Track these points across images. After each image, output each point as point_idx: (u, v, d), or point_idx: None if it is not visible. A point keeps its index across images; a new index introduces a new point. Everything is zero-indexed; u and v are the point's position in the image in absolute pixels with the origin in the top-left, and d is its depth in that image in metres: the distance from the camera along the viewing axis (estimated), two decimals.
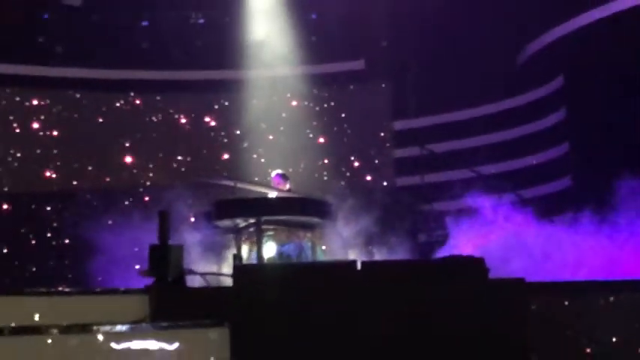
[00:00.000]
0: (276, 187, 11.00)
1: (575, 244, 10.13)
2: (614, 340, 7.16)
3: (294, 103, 17.21)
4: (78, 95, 16.72)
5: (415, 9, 16.34)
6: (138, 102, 17.05)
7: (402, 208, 14.20)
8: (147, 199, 15.58)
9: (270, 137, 16.87)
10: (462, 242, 11.14)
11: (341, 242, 11.24)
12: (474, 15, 15.64)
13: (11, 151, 16.17)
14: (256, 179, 14.09)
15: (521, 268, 8.34)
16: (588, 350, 7.16)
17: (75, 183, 16.41)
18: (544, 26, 15.13)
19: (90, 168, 16.57)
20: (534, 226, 11.04)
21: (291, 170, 13.98)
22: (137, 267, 8.64)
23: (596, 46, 14.09)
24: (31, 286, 14.06)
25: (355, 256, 10.98)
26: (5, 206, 15.64)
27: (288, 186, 11.20)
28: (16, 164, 16.19)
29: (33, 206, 15.94)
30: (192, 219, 10.95)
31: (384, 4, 16.65)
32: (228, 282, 8.24)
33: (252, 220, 9.81)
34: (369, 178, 17.22)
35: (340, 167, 17.13)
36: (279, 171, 11.50)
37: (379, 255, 11.50)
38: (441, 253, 11.13)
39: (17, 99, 16.37)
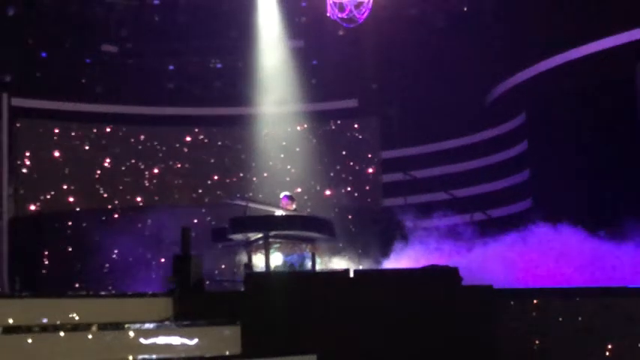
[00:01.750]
0: (284, 207, 10.96)
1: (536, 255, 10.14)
2: (565, 335, 7.16)
3: (297, 135, 17.20)
4: (114, 128, 16.75)
5: (400, 58, 16.42)
6: (165, 133, 17.07)
7: (387, 225, 14.19)
8: (172, 216, 15.56)
9: (277, 164, 16.87)
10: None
11: (336, 254, 11.25)
12: (449, 62, 15.70)
13: (57, 175, 16.19)
14: (265, 200, 14.09)
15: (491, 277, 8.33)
16: (544, 345, 7.16)
17: (111, 202, 16.41)
18: (509, 72, 15.18)
19: (122, 187, 16.58)
20: (500, 239, 11.03)
21: (299, 191, 13.98)
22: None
23: (553, 89, 14.14)
24: (74, 289, 14.10)
25: (348, 265, 10.98)
26: (54, 222, 15.62)
27: (294, 206, 11.17)
28: (61, 186, 16.21)
29: (76, 222, 15.93)
30: (211, 233, 10.92)
31: (374, 54, 16.72)
32: (240, 287, 8.24)
33: (261, 235, 9.79)
34: (360, 199, 17.20)
35: (336, 190, 17.12)
36: (287, 193, 11.46)
37: (368, 264, 11.47)
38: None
39: (64, 131, 16.40)
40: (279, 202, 11.38)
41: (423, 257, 11.51)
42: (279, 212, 10.61)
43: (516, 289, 7.80)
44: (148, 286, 13.35)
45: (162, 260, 14.94)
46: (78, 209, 16.15)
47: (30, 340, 5.95)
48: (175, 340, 6.37)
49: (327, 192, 16.96)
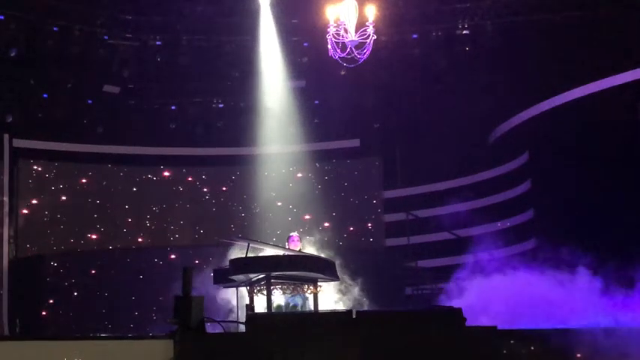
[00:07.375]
0: (291, 246, 10.88)
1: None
2: None
3: (299, 175, 17.27)
4: (116, 168, 16.83)
5: (402, 98, 16.52)
6: (166, 174, 17.14)
7: (391, 265, 14.17)
8: (173, 257, 15.55)
9: (279, 204, 16.91)
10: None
11: (339, 294, 11.20)
12: (451, 102, 15.80)
13: (58, 216, 16.23)
14: (266, 240, 14.06)
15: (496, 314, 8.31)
16: None
17: (112, 243, 16.42)
18: (511, 111, 15.27)
19: (125, 230, 16.59)
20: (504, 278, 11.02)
21: (300, 231, 13.95)
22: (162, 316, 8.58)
23: (555, 128, 14.20)
24: (75, 332, 14.04)
25: (351, 306, 10.93)
26: (54, 263, 15.60)
27: (300, 245, 11.11)
28: (62, 227, 16.23)
29: (76, 263, 15.92)
30: (212, 274, 10.89)
31: (376, 94, 16.82)
32: (242, 328, 8.20)
33: (262, 275, 9.76)
34: (363, 239, 17.20)
35: (338, 230, 17.11)
36: (295, 233, 11.38)
37: (371, 305, 11.42)
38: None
39: (65, 171, 16.46)
40: (281, 242, 11.34)
41: (426, 297, 11.49)
42: (279, 252, 10.59)
43: (521, 329, 7.78)
44: (149, 328, 13.30)
45: (163, 301, 14.89)
46: (78, 250, 16.15)
47: None
48: None
49: (329, 232, 16.95)
